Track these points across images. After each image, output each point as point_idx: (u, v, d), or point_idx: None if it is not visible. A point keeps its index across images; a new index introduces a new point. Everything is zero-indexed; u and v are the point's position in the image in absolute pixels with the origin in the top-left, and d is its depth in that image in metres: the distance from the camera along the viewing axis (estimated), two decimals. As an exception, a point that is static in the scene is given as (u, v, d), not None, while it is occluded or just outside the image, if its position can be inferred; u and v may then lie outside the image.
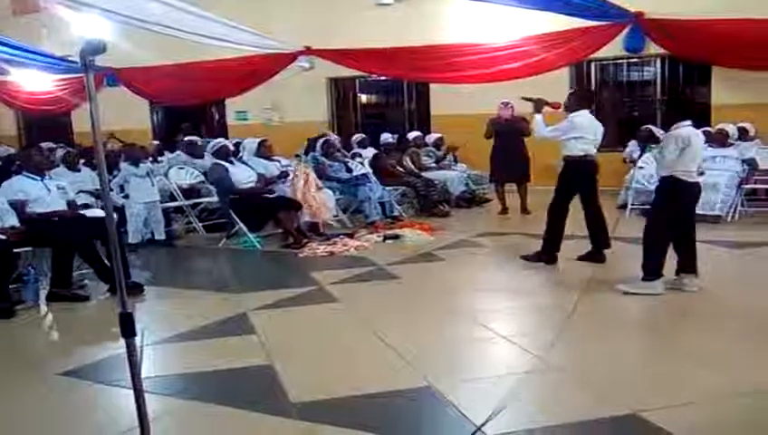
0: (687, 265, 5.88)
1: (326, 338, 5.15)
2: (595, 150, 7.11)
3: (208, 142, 10.79)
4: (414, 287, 6.62)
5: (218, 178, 8.91)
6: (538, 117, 7.31)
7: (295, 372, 4.32)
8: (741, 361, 4.27)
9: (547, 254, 7.14)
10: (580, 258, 7.11)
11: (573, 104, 7.13)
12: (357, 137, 12.92)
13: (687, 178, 5.69)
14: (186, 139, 11.55)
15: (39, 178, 6.99)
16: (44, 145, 11.91)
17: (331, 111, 15.42)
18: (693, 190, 5.82)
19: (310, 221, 8.98)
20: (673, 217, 5.78)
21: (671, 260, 5.89)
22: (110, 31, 9.65)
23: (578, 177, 7.04)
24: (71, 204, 7.25)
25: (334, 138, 11.75)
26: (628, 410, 3.56)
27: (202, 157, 10.73)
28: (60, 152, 10.15)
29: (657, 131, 10.74)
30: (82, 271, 6.95)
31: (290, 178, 9.27)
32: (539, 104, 7.35)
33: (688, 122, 5.84)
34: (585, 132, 6.97)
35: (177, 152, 11.21)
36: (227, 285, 6.87)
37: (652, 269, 5.73)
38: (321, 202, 9.07)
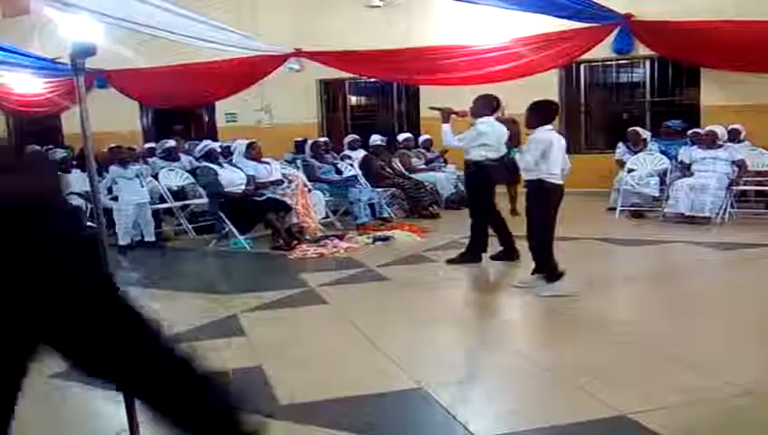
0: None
1: (315, 340, 5.15)
2: (498, 155, 7.25)
3: (196, 145, 10.80)
4: (404, 289, 6.61)
5: (208, 181, 8.91)
6: (445, 127, 7.42)
7: (284, 373, 4.32)
8: (728, 362, 4.28)
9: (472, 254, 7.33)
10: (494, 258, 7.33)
11: (479, 110, 7.35)
12: (349, 138, 12.93)
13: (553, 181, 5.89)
14: (166, 146, 11.56)
15: None
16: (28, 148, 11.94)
17: (320, 113, 15.42)
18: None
19: (299, 223, 8.98)
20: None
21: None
22: (100, 33, 9.62)
23: (477, 179, 7.23)
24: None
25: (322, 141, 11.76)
26: (617, 412, 3.57)
27: (178, 159, 10.78)
28: (59, 154, 10.15)
29: (644, 133, 10.81)
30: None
31: (284, 184, 9.28)
32: (445, 114, 7.48)
33: (549, 126, 6.00)
34: (488, 139, 7.14)
35: (153, 159, 11.15)
36: (217, 287, 6.86)
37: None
38: (308, 213, 9.10)
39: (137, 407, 2.96)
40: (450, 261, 7.37)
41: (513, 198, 10.45)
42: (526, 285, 6.07)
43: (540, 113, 6.01)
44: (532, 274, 6.09)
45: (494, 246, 7.32)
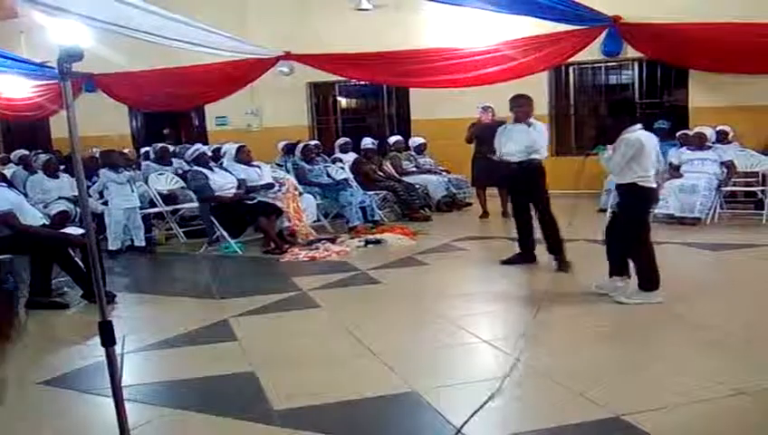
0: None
1: (308, 344, 5.13)
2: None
3: (187, 149, 10.77)
4: (396, 292, 6.61)
5: (198, 185, 8.88)
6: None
7: (277, 378, 4.31)
8: (718, 364, 4.29)
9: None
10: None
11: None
12: (340, 141, 12.92)
13: None
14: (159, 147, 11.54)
15: (5, 184, 6.95)
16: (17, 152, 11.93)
17: (311, 116, 15.40)
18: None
19: (290, 227, 8.96)
20: None
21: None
22: (89, 37, 9.61)
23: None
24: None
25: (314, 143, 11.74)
26: (611, 414, 3.57)
27: (170, 164, 10.77)
28: (42, 158, 10.10)
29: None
30: (61, 279, 6.89)
31: (275, 188, 9.26)
32: None
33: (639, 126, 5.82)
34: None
35: (147, 163, 11.10)
36: (208, 292, 6.83)
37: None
38: (300, 216, 9.09)
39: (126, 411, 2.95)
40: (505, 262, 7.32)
41: (505, 201, 10.46)
42: (603, 290, 5.87)
43: (625, 112, 5.84)
44: (610, 277, 5.88)
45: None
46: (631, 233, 5.74)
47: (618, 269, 5.79)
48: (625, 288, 5.77)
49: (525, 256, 7.25)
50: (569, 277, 6.68)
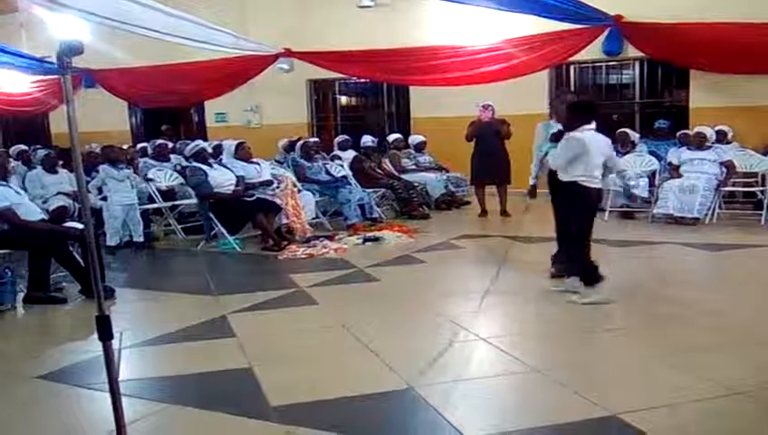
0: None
1: (305, 341, 5.13)
2: None
3: (186, 144, 10.76)
4: (394, 290, 6.61)
5: (197, 182, 8.87)
6: None
7: (275, 374, 4.31)
8: (715, 363, 4.29)
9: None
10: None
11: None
12: (339, 138, 12.94)
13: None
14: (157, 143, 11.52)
15: (4, 182, 6.95)
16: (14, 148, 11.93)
17: (310, 113, 15.38)
18: None
19: (288, 224, 8.95)
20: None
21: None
22: (89, 32, 9.60)
23: None
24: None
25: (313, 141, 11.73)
26: (608, 413, 3.57)
27: (168, 160, 10.76)
28: (40, 153, 10.08)
29: (633, 135, 10.83)
30: (59, 274, 6.89)
31: (274, 185, 9.26)
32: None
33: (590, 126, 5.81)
34: None
35: (144, 159, 11.09)
36: (206, 288, 6.82)
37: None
38: (298, 213, 9.08)
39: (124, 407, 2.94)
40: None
41: (503, 200, 10.47)
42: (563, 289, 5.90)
43: (579, 112, 5.82)
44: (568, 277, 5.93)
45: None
46: (570, 229, 5.86)
47: (591, 278, 5.73)
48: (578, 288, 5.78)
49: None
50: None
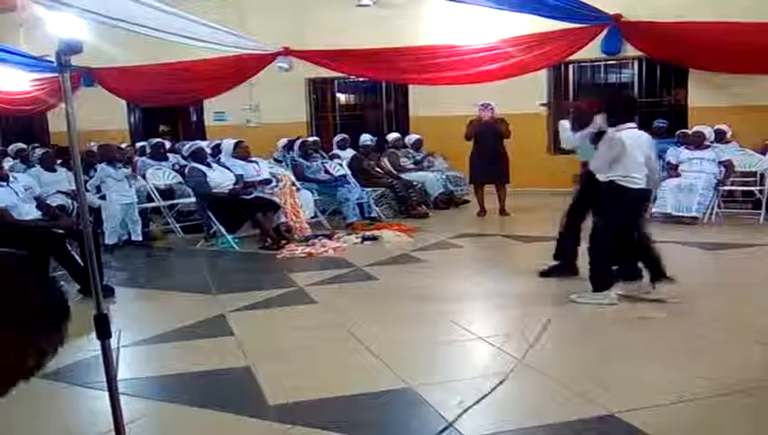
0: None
1: (304, 340, 5.12)
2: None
3: (183, 144, 10.76)
4: (392, 288, 6.60)
5: (196, 183, 8.87)
6: None
7: (273, 373, 4.30)
8: (715, 363, 4.30)
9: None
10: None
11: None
12: (338, 137, 12.95)
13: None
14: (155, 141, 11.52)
15: (4, 183, 6.94)
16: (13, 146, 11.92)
17: (309, 112, 15.39)
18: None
19: (287, 223, 8.95)
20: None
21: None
22: (88, 30, 9.59)
23: None
24: (39, 201, 7.19)
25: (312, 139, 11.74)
26: (605, 411, 3.57)
27: (166, 159, 10.76)
28: (38, 152, 10.06)
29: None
30: (57, 273, 6.87)
31: (273, 183, 9.25)
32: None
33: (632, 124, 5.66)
34: None
35: (143, 158, 11.08)
36: (205, 287, 6.81)
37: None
38: (297, 212, 9.08)
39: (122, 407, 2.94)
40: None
41: (502, 199, 10.47)
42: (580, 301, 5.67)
43: (620, 110, 5.61)
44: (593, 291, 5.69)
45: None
46: (608, 236, 5.57)
47: (601, 285, 5.60)
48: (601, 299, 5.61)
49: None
50: (566, 277, 6.66)
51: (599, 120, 5.89)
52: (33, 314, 1.48)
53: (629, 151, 5.44)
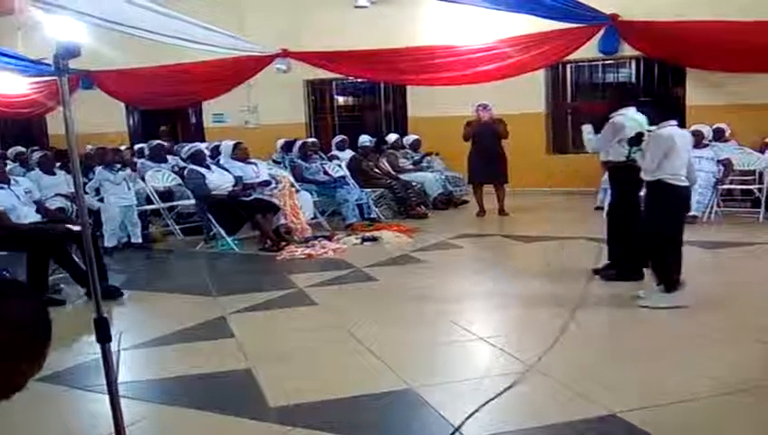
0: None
1: (304, 341, 5.12)
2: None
3: (183, 147, 10.75)
4: (392, 290, 6.60)
5: (195, 185, 8.87)
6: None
7: (273, 375, 4.30)
8: (716, 362, 4.30)
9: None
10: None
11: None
12: (337, 138, 12.95)
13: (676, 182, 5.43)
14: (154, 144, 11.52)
15: (5, 186, 6.93)
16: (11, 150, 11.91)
17: (307, 114, 15.39)
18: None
19: (287, 224, 8.95)
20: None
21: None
22: (86, 33, 9.58)
23: None
24: (39, 204, 7.19)
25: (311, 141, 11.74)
26: (606, 412, 3.57)
27: (166, 161, 10.75)
28: (37, 155, 10.05)
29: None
30: (58, 275, 6.88)
31: (272, 185, 9.25)
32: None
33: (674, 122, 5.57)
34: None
35: (142, 160, 11.08)
36: (205, 289, 6.80)
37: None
38: (296, 213, 9.08)
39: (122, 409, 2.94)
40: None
41: (501, 199, 10.47)
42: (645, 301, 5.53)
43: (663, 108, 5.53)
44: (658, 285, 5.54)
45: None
46: (652, 231, 5.50)
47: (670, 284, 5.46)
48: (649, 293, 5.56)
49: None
50: (567, 277, 6.66)
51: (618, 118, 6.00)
52: (18, 343, 1.51)
53: (678, 148, 5.38)
